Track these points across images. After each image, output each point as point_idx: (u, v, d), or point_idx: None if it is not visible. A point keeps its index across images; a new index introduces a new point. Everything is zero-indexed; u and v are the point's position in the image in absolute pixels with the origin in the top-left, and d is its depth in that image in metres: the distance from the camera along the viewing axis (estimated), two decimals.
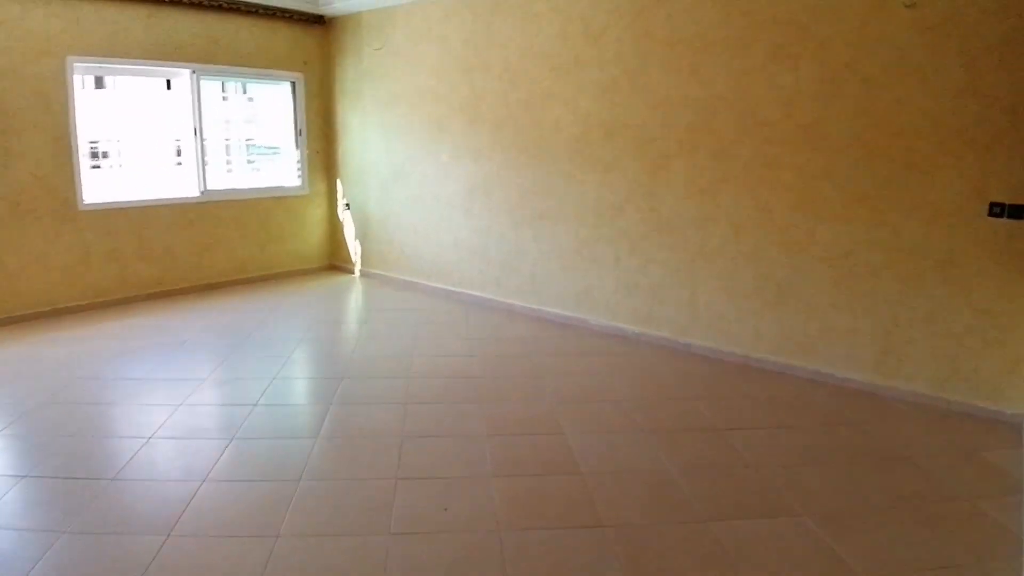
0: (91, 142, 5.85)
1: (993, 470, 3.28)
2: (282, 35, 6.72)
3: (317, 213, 7.40)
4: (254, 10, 6.36)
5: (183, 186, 6.25)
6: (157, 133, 6.20)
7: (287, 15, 6.62)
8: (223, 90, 6.54)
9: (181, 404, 3.82)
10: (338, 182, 7.35)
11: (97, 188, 5.72)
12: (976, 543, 2.66)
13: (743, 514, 2.80)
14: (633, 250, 5.03)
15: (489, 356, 4.70)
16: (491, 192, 5.88)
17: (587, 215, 5.26)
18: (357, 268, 7.32)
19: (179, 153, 6.31)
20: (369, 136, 6.89)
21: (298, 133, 7.04)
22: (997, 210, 3.74)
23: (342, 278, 7.15)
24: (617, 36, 4.86)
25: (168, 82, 6.17)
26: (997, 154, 3.66)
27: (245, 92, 6.82)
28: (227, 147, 6.69)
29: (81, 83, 5.68)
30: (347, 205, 7.24)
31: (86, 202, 5.56)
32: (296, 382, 4.39)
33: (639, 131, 4.85)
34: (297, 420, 3.80)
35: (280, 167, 7.07)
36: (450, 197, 6.23)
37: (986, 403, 3.87)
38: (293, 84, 6.93)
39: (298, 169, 7.13)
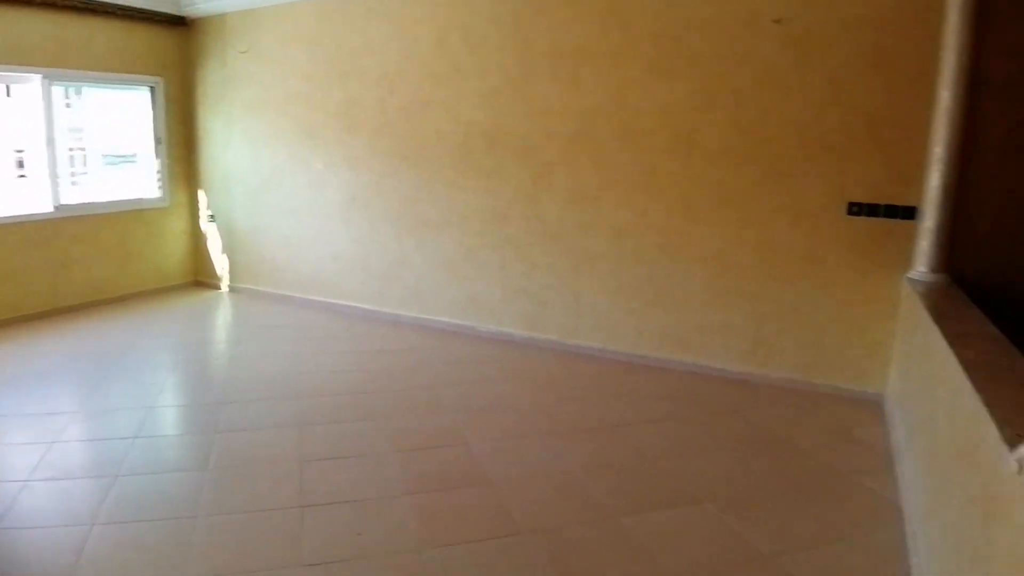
0: None
1: (863, 445, 3.58)
2: (140, 37, 6.19)
3: (179, 226, 6.86)
4: (110, 11, 5.82)
5: (34, 201, 5.58)
6: None
7: (146, 16, 6.10)
8: (66, 96, 5.90)
9: (54, 441, 3.40)
10: (201, 192, 6.85)
11: None
12: (861, 514, 2.88)
13: (651, 506, 2.87)
14: (519, 256, 5.05)
15: (379, 369, 4.54)
16: (371, 201, 5.71)
17: (472, 223, 5.23)
18: (225, 283, 6.84)
19: (21, 165, 5.62)
20: (235, 143, 6.48)
21: (157, 141, 6.50)
22: (856, 209, 4.11)
23: (209, 295, 6.67)
24: (498, 45, 4.88)
25: (8, 88, 5.48)
26: (855, 158, 4.03)
27: (78, 97, 6.14)
28: (78, 158, 6.04)
29: None
30: (211, 216, 6.76)
31: None
32: (174, 410, 4.02)
33: (522, 139, 4.90)
34: (182, 452, 3.47)
35: (138, 178, 6.48)
36: (327, 207, 5.98)
37: (850, 384, 4.23)
38: (152, 89, 6.39)
39: (158, 180, 6.58)
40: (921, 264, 3.94)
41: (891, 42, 3.85)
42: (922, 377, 3.10)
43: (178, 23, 6.43)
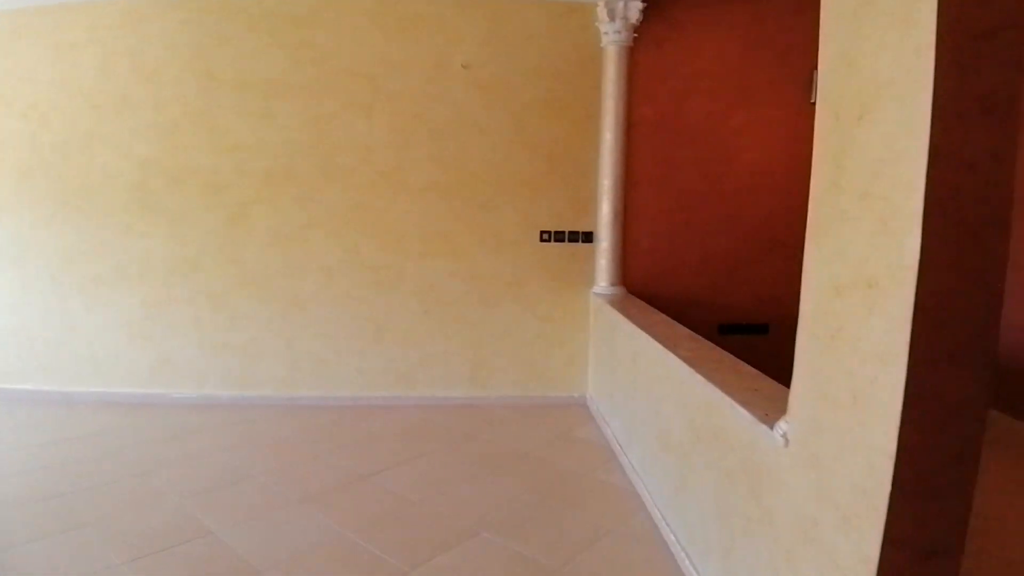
0: None
1: (587, 444, 3.99)
2: None
3: None
4: None
5: None
6: None
7: None
8: None
9: None
10: None
11: None
12: (611, 506, 3.20)
13: (435, 551, 2.80)
14: (217, 307, 4.53)
15: (68, 463, 3.64)
16: (21, 257, 4.55)
17: (155, 274, 4.52)
18: None
19: None
20: None
21: None
22: (546, 236, 4.59)
23: None
24: (176, 75, 4.32)
25: None
26: (543, 191, 4.50)
27: None
28: None
29: None
30: None
31: None
32: None
33: (211, 177, 4.41)
34: None
35: None
36: None
37: (559, 392, 4.69)
38: None
39: None
40: (602, 280, 4.58)
41: (564, 90, 4.42)
42: (632, 376, 3.58)
43: None
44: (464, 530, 2.96)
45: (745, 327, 4.70)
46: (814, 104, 4.54)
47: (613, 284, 4.56)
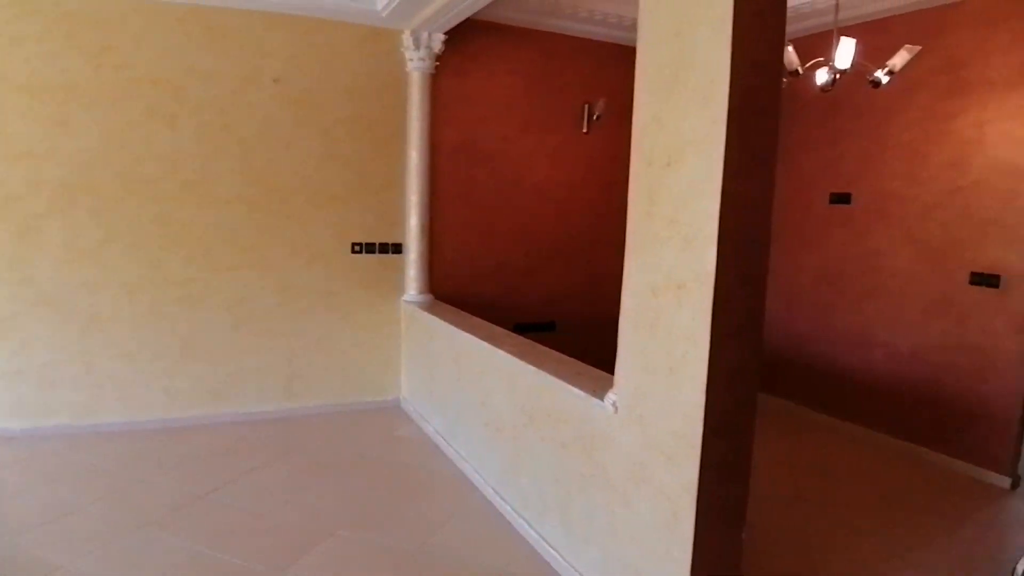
0: None
1: (411, 441, 4.31)
2: None
3: None
4: None
5: None
6: None
7: None
8: None
9: None
10: None
11: None
12: (449, 493, 3.57)
13: (300, 552, 2.91)
14: (5, 332, 4.04)
15: None
16: None
17: None
18: None
19: None
20: None
21: None
22: (357, 248, 4.80)
23: None
24: None
25: None
26: (353, 205, 4.70)
27: None
28: None
29: None
30: None
31: None
32: None
33: None
34: None
35: None
36: None
37: (375, 397, 4.93)
38: None
39: None
40: (412, 288, 4.92)
41: (372, 109, 4.67)
42: (455, 375, 3.98)
43: None
44: (320, 531, 3.12)
45: (536, 325, 5.35)
46: (586, 134, 5.34)
47: (422, 292, 4.92)
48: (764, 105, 1.95)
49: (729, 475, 2.08)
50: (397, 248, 4.91)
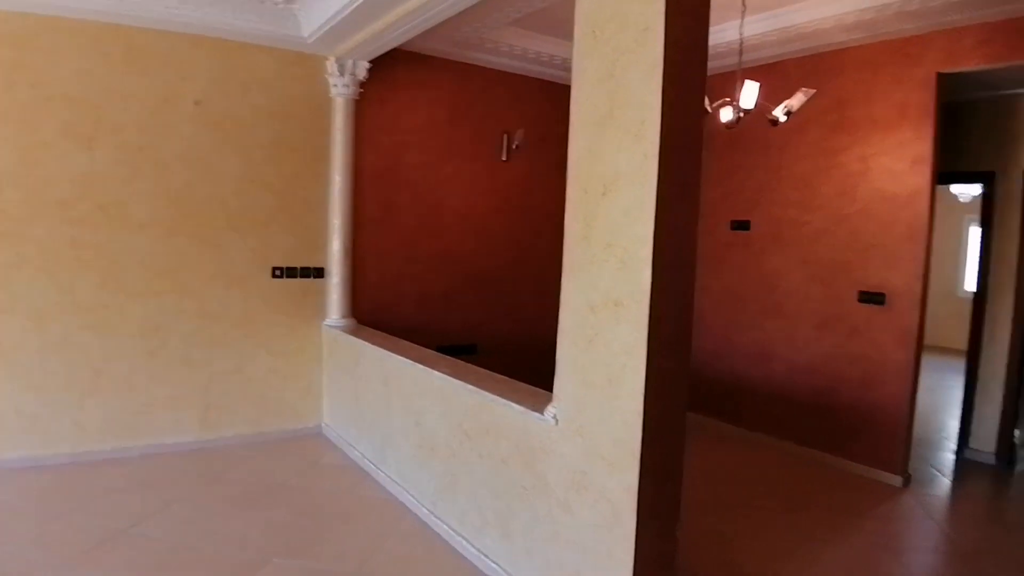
0: None
1: (337, 468, 4.29)
2: None
3: None
4: None
5: None
6: None
7: None
8: None
9: None
10: None
11: None
12: (381, 519, 3.57)
13: None
14: None
15: None
16: None
17: None
18: None
19: None
20: None
21: None
22: (278, 272, 4.75)
23: None
24: None
25: None
26: (274, 229, 4.66)
27: None
28: None
29: None
30: None
31: None
32: None
33: None
34: None
35: None
36: None
37: (296, 424, 4.86)
38: None
39: None
40: (334, 312, 4.91)
41: (295, 133, 4.67)
42: (385, 399, 4.00)
43: None
44: (254, 561, 3.06)
45: (458, 348, 5.42)
46: (505, 162, 5.54)
47: (345, 316, 4.92)
48: (689, 142, 2.17)
49: (665, 476, 2.26)
50: (319, 272, 4.90)
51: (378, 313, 5.12)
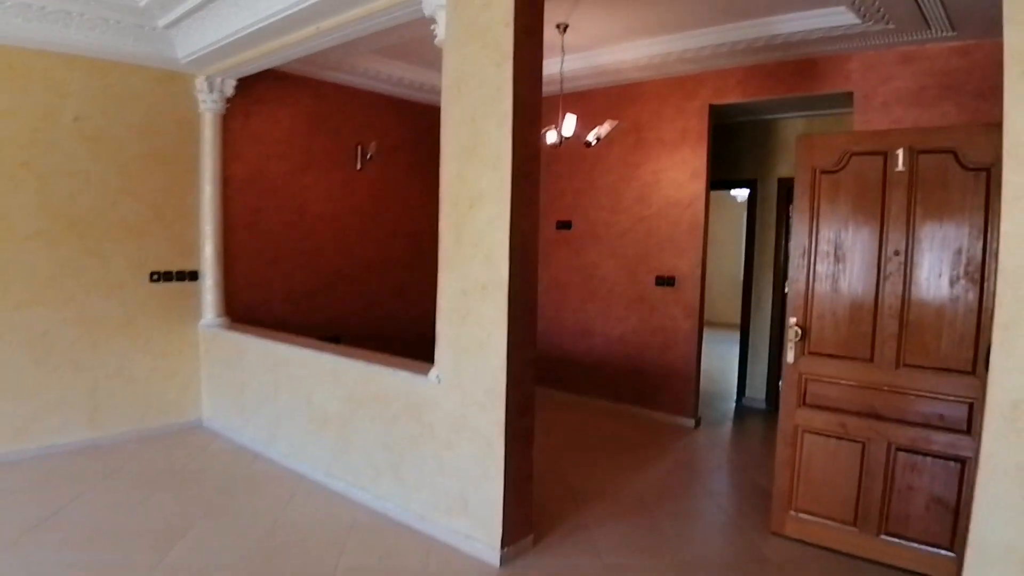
0: None
1: (228, 452, 4.73)
2: None
3: None
4: None
5: None
6: None
7: None
8: None
9: None
10: None
11: None
12: (280, 487, 4.12)
13: (168, 547, 3.27)
14: None
15: None
16: None
17: None
18: None
19: None
20: None
21: None
22: (156, 277, 5.05)
23: None
24: None
25: None
26: (150, 236, 4.97)
27: None
28: None
29: None
30: None
31: None
32: None
33: None
34: None
35: None
36: None
37: (177, 419, 5.20)
38: None
39: None
40: (209, 312, 5.30)
41: (168, 146, 4.99)
42: (273, 384, 4.52)
43: None
44: (179, 526, 3.48)
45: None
46: (360, 171, 6.19)
47: (219, 315, 5.32)
48: (531, 169, 3.05)
49: (522, 412, 3.13)
50: (193, 275, 5.25)
51: (250, 311, 5.56)
